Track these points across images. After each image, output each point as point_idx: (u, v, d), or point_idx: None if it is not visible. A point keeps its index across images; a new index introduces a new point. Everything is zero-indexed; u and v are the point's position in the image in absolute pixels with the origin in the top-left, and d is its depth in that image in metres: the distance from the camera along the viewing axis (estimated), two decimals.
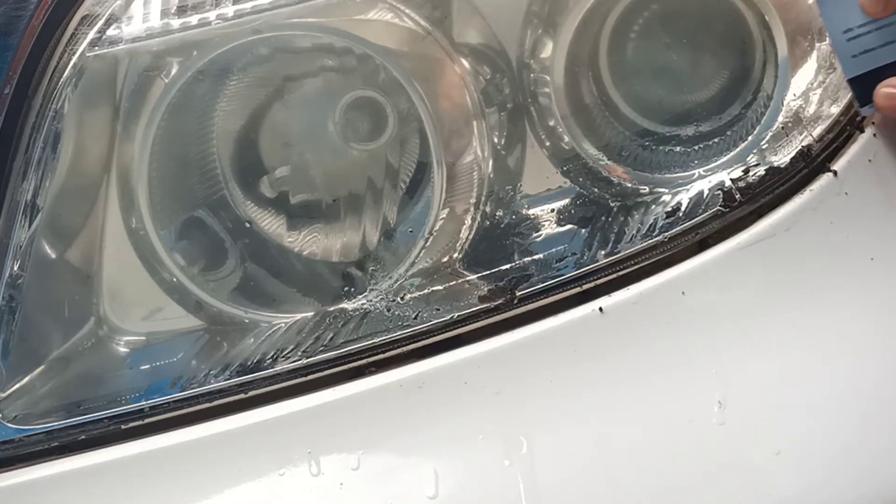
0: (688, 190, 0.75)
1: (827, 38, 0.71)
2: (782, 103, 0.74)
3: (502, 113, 0.79)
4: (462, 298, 0.75)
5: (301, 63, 0.79)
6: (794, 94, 0.74)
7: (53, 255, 0.78)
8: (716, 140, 0.77)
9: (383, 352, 0.74)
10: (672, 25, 0.77)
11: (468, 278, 0.77)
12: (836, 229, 0.70)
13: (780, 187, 0.71)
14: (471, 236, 0.78)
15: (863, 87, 0.70)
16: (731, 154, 0.75)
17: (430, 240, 0.78)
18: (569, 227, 0.78)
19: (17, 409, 0.77)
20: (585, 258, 0.75)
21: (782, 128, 0.73)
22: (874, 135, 0.70)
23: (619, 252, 0.74)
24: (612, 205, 0.78)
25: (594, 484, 0.67)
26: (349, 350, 0.75)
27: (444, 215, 0.78)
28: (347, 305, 0.78)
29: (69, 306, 0.79)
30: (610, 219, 0.77)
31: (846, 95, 0.70)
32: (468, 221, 0.78)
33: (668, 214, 0.75)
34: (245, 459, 0.72)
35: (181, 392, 0.75)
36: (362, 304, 0.77)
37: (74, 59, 0.74)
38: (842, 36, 0.70)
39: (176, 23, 0.75)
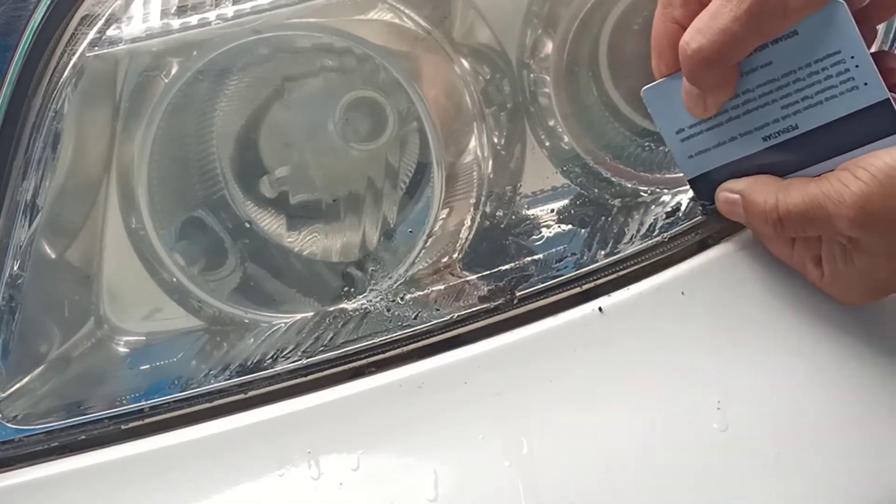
0: (688, 190, 0.75)
1: None
2: None
3: (502, 113, 0.79)
4: (462, 298, 0.75)
5: (301, 63, 0.78)
6: None
7: (53, 255, 0.78)
8: None
9: (383, 352, 0.75)
10: None
11: (468, 278, 0.77)
12: None
13: None
14: (471, 236, 0.78)
15: (704, 187, 0.69)
16: None
17: (430, 240, 0.78)
18: (569, 227, 0.78)
19: (17, 409, 0.77)
20: (585, 258, 0.75)
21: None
22: None
23: (619, 252, 0.74)
24: (612, 205, 0.78)
25: (594, 484, 0.67)
26: (349, 350, 0.75)
27: (444, 215, 0.78)
28: (347, 305, 0.78)
29: (69, 306, 0.79)
30: (610, 219, 0.77)
31: None
32: (468, 221, 0.78)
33: (668, 214, 0.75)
34: (245, 459, 0.72)
35: (181, 392, 0.75)
36: (362, 304, 0.77)
37: (74, 59, 0.74)
38: (675, 136, 0.68)
39: (176, 23, 0.75)
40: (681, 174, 0.75)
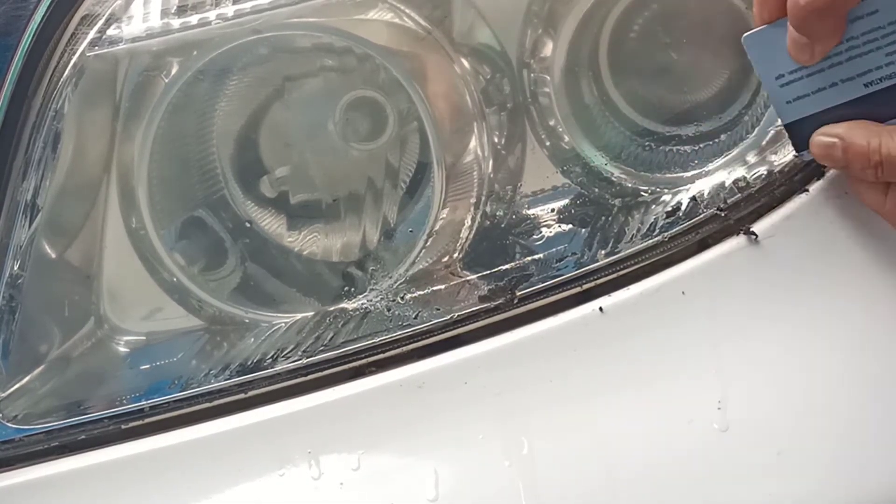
0: (688, 190, 0.75)
1: None
2: None
3: (502, 113, 0.79)
4: (462, 298, 0.75)
5: (301, 63, 0.78)
6: None
7: (53, 255, 0.78)
8: (716, 140, 0.77)
9: (383, 352, 0.74)
10: (672, 25, 0.77)
11: (468, 278, 0.77)
12: (837, 229, 0.70)
13: (780, 187, 0.71)
14: (471, 236, 0.78)
15: (799, 132, 0.69)
16: (731, 154, 0.75)
17: (430, 240, 0.78)
18: (569, 227, 0.78)
19: (17, 408, 0.77)
20: (585, 258, 0.75)
21: (783, 128, 0.73)
22: None
23: (619, 252, 0.74)
24: (612, 205, 0.78)
25: (594, 485, 0.67)
26: (349, 350, 0.75)
27: (444, 215, 0.78)
28: (347, 305, 0.78)
29: (69, 306, 0.79)
30: (610, 219, 0.77)
31: None
32: (468, 221, 0.78)
33: (668, 214, 0.75)
34: (245, 459, 0.72)
35: (181, 392, 0.76)
36: (362, 303, 0.77)
37: (74, 59, 0.74)
38: (774, 82, 0.68)
39: (176, 23, 0.75)
40: (680, 174, 0.75)
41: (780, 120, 0.70)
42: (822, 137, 0.67)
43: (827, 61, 0.66)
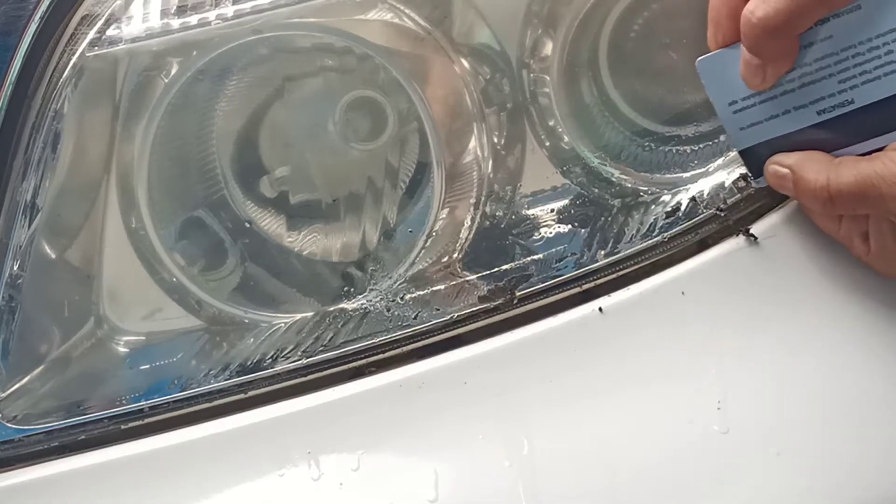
0: (688, 190, 0.75)
1: None
2: None
3: (502, 113, 0.79)
4: (462, 298, 0.75)
5: (301, 63, 0.78)
6: None
7: (53, 255, 0.78)
8: (715, 140, 0.77)
9: (383, 352, 0.75)
10: (672, 25, 0.77)
11: (468, 278, 0.77)
12: None
13: None
14: (471, 236, 0.78)
15: (754, 160, 0.69)
16: (732, 154, 0.75)
17: (430, 240, 0.78)
18: (569, 227, 0.78)
19: (17, 409, 0.77)
20: (585, 258, 0.75)
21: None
22: None
23: (619, 252, 0.74)
24: (611, 205, 0.78)
25: (595, 485, 0.67)
26: (349, 350, 0.75)
27: (444, 215, 0.78)
28: (347, 305, 0.78)
29: (69, 306, 0.79)
30: (610, 219, 0.77)
31: None
32: (468, 221, 0.78)
33: (668, 214, 0.75)
34: (245, 459, 0.72)
35: (181, 392, 0.76)
36: (362, 304, 0.77)
37: (74, 59, 0.74)
38: (728, 108, 0.68)
39: (176, 23, 0.75)
40: (680, 174, 0.75)
41: (734, 147, 0.70)
42: (776, 167, 0.68)
43: (779, 88, 0.66)
